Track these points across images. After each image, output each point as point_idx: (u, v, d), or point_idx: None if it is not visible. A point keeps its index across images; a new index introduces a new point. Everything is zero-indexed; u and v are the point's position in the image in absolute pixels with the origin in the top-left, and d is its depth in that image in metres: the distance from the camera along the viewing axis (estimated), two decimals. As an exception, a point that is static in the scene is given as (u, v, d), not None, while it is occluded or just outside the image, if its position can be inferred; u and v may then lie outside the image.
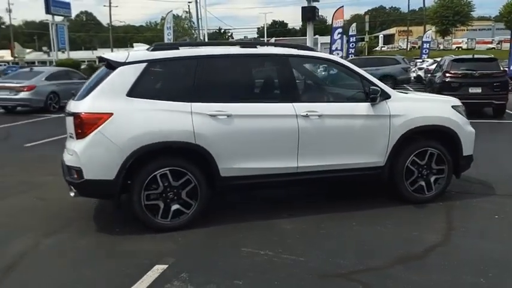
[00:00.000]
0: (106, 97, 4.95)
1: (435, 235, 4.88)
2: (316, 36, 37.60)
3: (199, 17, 46.23)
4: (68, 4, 44.86)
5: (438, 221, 5.30)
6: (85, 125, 4.84)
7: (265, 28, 66.01)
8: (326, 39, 38.94)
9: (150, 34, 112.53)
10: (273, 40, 50.20)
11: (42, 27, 75.96)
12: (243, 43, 5.61)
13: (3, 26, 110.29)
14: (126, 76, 4.99)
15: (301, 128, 5.33)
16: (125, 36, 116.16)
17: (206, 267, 4.24)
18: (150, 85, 5.08)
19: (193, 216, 5.15)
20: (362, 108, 5.56)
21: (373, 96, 5.48)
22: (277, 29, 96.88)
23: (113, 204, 5.14)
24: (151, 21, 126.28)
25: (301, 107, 5.35)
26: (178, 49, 5.30)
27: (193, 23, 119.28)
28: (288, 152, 5.34)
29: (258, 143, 5.25)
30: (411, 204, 5.80)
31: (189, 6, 67.50)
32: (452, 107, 6.00)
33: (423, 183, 5.86)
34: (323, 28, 71.89)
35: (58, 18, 43.44)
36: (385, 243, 4.71)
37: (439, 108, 5.96)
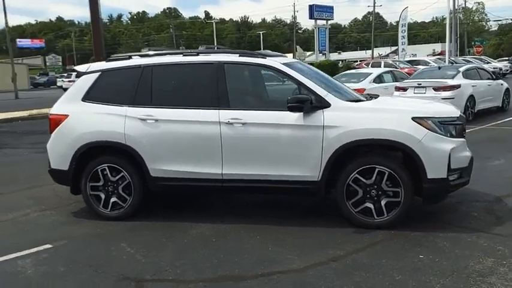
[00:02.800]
0: (68, 101, 5.97)
1: (304, 263, 4.34)
2: None
3: (459, 9, 42.76)
4: (331, 8, 47.53)
5: (342, 250, 4.59)
6: (51, 124, 5.96)
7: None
8: None
9: (435, 30, 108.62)
10: None
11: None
12: (186, 52, 5.83)
13: (299, 31, 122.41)
14: (83, 83, 5.91)
15: (224, 135, 5.32)
16: (409, 33, 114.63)
17: (68, 254, 4.83)
18: (100, 91, 5.82)
19: (130, 210, 5.72)
20: (291, 117, 5.16)
21: (290, 105, 5.04)
22: None
23: (70, 190, 6.08)
24: (437, 16, 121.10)
25: (226, 114, 5.33)
26: (131, 59, 5.91)
27: (486, 15, 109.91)
28: (212, 158, 5.39)
29: (183, 147, 5.48)
30: (354, 228, 5.11)
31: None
32: (414, 118, 4.96)
33: (371, 205, 5.07)
34: None
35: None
36: (244, 260, 4.45)
37: (391, 120, 5.00)
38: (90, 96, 5.83)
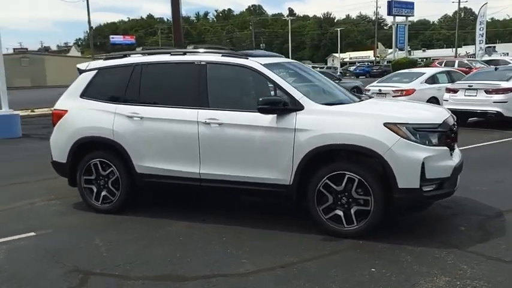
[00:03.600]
0: (68, 97, 6.28)
1: (253, 267, 4.30)
2: None
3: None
4: (411, 4, 45.84)
5: (298, 257, 4.48)
6: (54, 119, 6.31)
7: None
8: None
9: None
10: None
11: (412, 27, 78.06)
12: (174, 51, 5.90)
13: (385, 28, 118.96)
14: (82, 81, 6.19)
15: (201, 135, 5.36)
16: (505, 30, 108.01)
17: (42, 243, 5.08)
18: (96, 88, 6.06)
19: (118, 204, 5.92)
20: (265, 119, 5.09)
21: (260, 107, 4.98)
22: None
23: (68, 182, 6.37)
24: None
25: (204, 114, 5.36)
26: (126, 57, 6.10)
27: None
28: (191, 157, 5.45)
29: (165, 145, 5.58)
30: (324, 235, 4.95)
31: None
32: (386, 124, 4.70)
33: (341, 213, 4.89)
34: None
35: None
36: (195, 261, 4.47)
37: (362, 125, 4.76)
38: (87, 93, 6.10)
